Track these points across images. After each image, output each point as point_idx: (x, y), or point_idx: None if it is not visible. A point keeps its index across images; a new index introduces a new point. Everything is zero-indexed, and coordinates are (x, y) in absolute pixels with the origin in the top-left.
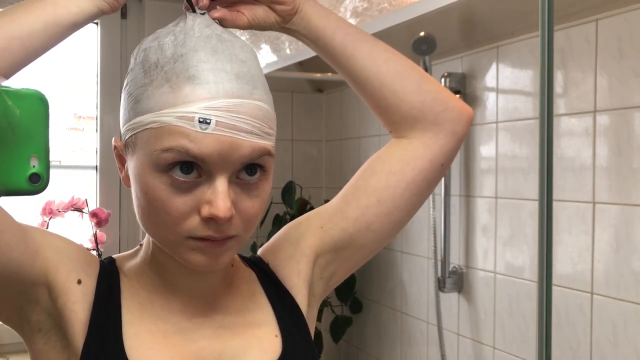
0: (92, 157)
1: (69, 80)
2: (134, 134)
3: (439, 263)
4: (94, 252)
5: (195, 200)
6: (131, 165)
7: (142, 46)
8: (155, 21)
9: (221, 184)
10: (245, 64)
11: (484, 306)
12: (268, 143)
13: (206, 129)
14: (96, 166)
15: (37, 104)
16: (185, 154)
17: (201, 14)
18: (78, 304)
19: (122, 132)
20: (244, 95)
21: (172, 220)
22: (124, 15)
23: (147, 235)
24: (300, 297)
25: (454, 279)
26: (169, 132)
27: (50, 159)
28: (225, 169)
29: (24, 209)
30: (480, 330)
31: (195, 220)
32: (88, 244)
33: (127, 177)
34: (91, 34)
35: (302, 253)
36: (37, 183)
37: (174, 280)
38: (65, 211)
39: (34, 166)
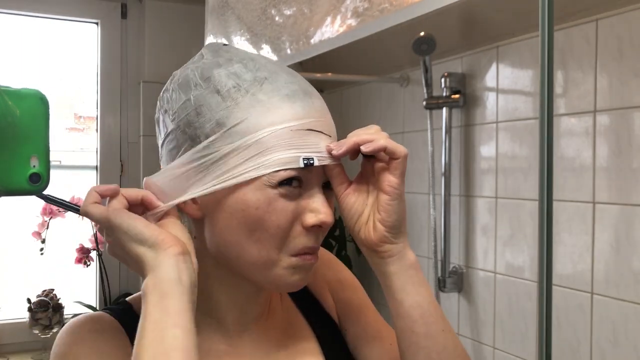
0: (92, 157)
1: (69, 80)
2: (225, 154)
3: (439, 263)
4: (94, 253)
5: (297, 210)
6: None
7: (201, 74)
8: (155, 21)
9: (321, 193)
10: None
11: (484, 306)
12: None
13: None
14: (96, 166)
15: (37, 104)
16: (300, 167)
17: (224, 44)
18: None
19: (192, 154)
20: (325, 110)
21: (280, 234)
22: (124, 15)
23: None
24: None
25: (454, 279)
26: None
27: (50, 159)
28: (320, 178)
29: (24, 209)
30: (480, 330)
31: (296, 232)
32: (88, 243)
33: (196, 206)
34: (91, 34)
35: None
36: (37, 183)
37: (220, 315)
38: (65, 211)
39: (34, 166)
